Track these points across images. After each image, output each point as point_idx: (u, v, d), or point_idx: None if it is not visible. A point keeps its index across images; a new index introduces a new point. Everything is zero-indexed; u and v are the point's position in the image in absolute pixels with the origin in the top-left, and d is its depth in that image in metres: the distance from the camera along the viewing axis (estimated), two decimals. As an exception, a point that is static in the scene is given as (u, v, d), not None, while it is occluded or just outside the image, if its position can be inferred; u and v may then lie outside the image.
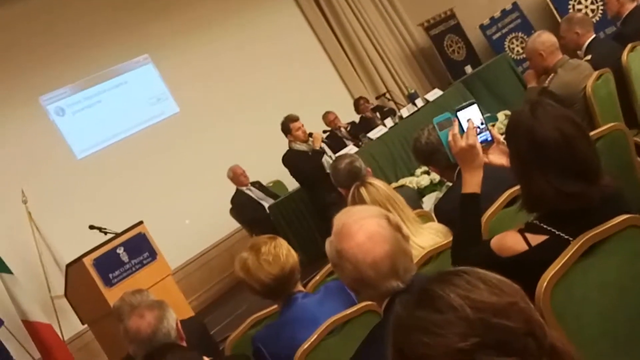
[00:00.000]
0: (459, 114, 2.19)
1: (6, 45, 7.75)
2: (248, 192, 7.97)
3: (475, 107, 2.21)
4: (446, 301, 1.03)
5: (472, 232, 2.17)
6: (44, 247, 7.03)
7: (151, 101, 9.12)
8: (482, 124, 2.19)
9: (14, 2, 7.87)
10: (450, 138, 2.16)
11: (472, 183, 2.15)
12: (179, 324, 2.60)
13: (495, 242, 2.00)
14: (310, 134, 6.96)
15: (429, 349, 1.01)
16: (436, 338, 1.01)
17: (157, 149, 8.71)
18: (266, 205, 7.75)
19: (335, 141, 8.14)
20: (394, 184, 5.79)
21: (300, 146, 6.93)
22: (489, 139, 2.20)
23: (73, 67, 8.36)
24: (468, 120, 2.16)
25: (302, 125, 6.94)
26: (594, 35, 4.84)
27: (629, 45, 4.51)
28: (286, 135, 6.98)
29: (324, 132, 8.21)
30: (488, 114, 7.29)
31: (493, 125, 6.81)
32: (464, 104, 2.22)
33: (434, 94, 8.55)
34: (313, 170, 6.74)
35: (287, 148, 7.08)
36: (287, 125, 6.92)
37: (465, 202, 2.17)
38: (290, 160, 6.96)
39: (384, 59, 11.31)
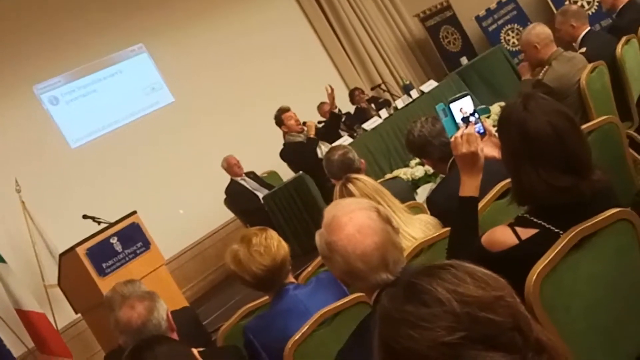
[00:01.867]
0: (452, 105, 2.18)
1: (-1, 33, 7.72)
2: (242, 182, 7.93)
3: (468, 98, 2.21)
4: (433, 295, 1.03)
5: (468, 235, 2.14)
6: (38, 237, 7.01)
7: (146, 91, 9.09)
8: (474, 115, 2.19)
9: (7, -9, 7.84)
10: (452, 141, 2.16)
11: (471, 186, 2.15)
12: (170, 315, 2.59)
13: (485, 238, 2.00)
14: (304, 123, 6.93)
15: (415, 343, 1.01)
16: (422, 332, 1.01)
17: (151, 138, 8.68)
18: (260, 195, 7.72)
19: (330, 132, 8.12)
20: (388, 175, 5.79)
21: (295, 137, 6.87)
22: (481, 131, 2.20)
23: (67, 56, 8.31)
24: (468, 122, 2.16)
25: (295, 115, 6.91)
26: (589, 28, 4.83)
27: (624, 38, 4.51)
28: (280, 127, 6.94)
29: (319, 122, 8.19)
30: (482, 106, 7.29)
31: (488, 117, 6.83)
32: (457, 95, 2.21)
33: (429, 85, 8.53)
34: (309, 160, 6.70)
35: (282, 140, 7.03)
36: (280, 117, 6.89)
37: (463, 205, 2.17)
38: (287, 154, 6.90)
39: (380, 50, 11.29)
